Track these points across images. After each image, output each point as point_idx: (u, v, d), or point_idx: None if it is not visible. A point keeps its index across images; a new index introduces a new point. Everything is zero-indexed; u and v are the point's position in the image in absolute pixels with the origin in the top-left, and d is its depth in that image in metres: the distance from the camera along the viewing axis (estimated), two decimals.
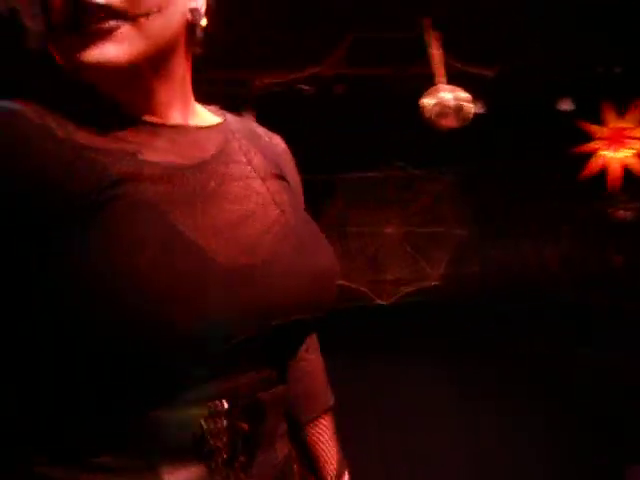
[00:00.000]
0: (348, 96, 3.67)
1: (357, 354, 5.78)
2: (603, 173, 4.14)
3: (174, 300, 0.68)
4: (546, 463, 5.76)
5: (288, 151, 1.01)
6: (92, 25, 0.73)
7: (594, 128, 4.12)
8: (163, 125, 0.81)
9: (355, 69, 3.42)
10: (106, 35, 0.73)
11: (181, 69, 0.83)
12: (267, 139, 0.96)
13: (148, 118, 0.81)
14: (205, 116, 0.90)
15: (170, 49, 0.80)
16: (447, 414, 5.88)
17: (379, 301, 4.74)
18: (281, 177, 0.90)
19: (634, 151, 4.15)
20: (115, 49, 0.74)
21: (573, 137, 4.07)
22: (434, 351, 5.83)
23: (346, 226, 4.52)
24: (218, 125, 0.89)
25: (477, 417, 5.90)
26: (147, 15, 0.75)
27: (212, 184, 0.79)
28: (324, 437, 1.07)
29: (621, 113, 4.11)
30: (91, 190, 0.70)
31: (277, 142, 0.99)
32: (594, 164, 4.14)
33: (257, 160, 0.88)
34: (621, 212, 4.15)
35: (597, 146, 4.14)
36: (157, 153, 0.78)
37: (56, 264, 0.68)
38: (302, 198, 1.00)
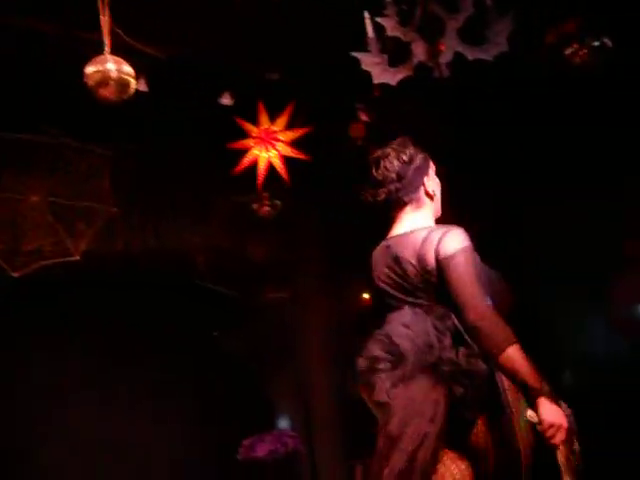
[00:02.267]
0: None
1: None
2: (254, 170, 4.35)
3: None
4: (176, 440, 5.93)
5: None
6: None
7: (249, 126, 4.32)
8: None
9: (24, 21, 3.12)
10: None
11: None
12: None
13: None
14: None
15: None
16: (80, 387, 5.73)
17: (11, 272, 4.37)
18: None
19: (278, 152, 4.44)
20: None
21: (231, 132, 4.22)
22: (67, 327, 5.61)
23: None
24: None
25: (112, 390, 5.85)
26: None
27: None
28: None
29: (273, 116, 4.38)
30: None
31: None
32: (246, 160, 4.33)
33: None
34: (265, 208, 4.42)
35: (250, 144, 4.34)
36: None
37: None
38: None
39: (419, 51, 3.14)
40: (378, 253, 2.26)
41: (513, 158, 4.87)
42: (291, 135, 4.43)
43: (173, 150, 4.49)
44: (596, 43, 3.45)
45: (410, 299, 2.14)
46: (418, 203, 2.24)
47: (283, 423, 5.32)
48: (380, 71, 3.26)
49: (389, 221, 2.25)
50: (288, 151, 4.43)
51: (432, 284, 2.09)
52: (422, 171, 2.26)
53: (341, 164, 4.85)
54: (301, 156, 4.41)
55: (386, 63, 3.25)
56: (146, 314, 5.73)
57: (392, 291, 2.18)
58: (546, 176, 4.57)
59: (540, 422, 1.94)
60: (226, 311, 5.33)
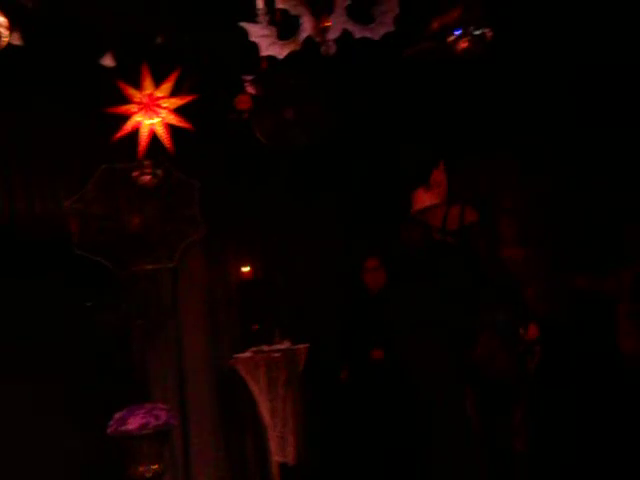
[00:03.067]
0: None
1: None
2: (135, 137, 4.22)
3: None
4: None
5: None
6: None
7: (132, 91, 4.19)
8: None
9: None
10: None
11: None
12: None
13: None
14: None
15: None
16: None
17: None
18: None
19: (161, 119, 4.33)
20: None
21: (113, 95, 4.07)
22: None
23: None
24: None
25: None
26: None
27: None
28: None
29: (158, 81, 4.26)
30: None
31: None
32: (128, 126, 4.20)
33: None
34: (146, 177, 4.30)
35: (132, 110, 4.21)
36: None
37: None
38: None
39: (307, 26, 3.16)
40: None
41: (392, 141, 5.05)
42: (175, 102, 4.33)
43: (52, 111, 4.28)
44: (477, 32, 3.59)
45: None
46: None
47: (156, 396, 5.25)
48: (268, 44, 3.25)
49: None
50: (172, 119, 4.33)
51: None
52: None
53: (225, 135, 4.82)
54: (185, 125, 4.32)
55: (275, 36, 3.25)
56: (17, 282, 5.48)
57: None
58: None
59: None
60: (101, 281, 5.19)
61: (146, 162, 4.33)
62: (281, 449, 5.13)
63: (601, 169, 4.78)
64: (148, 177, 4.37)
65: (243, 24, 3.21)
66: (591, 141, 4.76)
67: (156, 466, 4.90)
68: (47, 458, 5.66)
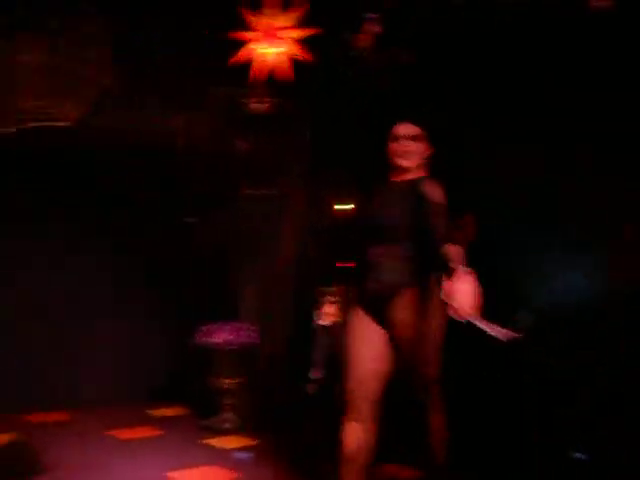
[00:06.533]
0: None
1: None
2: (251, 63, 4.26)
3: None
4: None
5: None
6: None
7: (253, 18, 4.20)
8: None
9: None
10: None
11: None
12: None
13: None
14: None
15: None
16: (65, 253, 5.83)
17: (4, 129, 4.35)
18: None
19: (282, 50, 4.33)
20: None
21: (233, 21, 4.10)
22: (46, 190, 5.66)
23: None
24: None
25: (79, 261, 5.96)
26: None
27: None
28: None
29: (283, 9, 4.25)
30: None
31: None
32: (245, 53, 4.23)
33: None
34: (257, 104, 4.37)
35: (252, 36, 4.24)
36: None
37: None
38: None
39: None
40: None
41: None
42: (296, 33, 4.31)
43: (172, 33, 4.40)
44: None
45: None
46: None
47: (243, 316, 5.47)
48: None
49: None
50: (291, 50, 4.33)
51: None
52: None
53: (341, 72, 4.78)
54: (303, 57, 4.32)
55: None
56: (123, 193, 5.79)
57: None
58: None
59: None
60: (204, 201, 5.39)
61: (259, 90, 4.38)
62: None
63: None
64: (260, 104, 4.44)
65: None
66: None
67: (235, 380, 5.17)
68: (136, 357, 6.08)
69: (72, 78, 4.29)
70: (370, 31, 4.45)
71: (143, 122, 4.55)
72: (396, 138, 3.34)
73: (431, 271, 3.03)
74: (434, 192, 3.12)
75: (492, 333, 2.73)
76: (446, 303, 2.77)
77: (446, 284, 2.79)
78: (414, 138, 3.33)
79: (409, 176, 3.30)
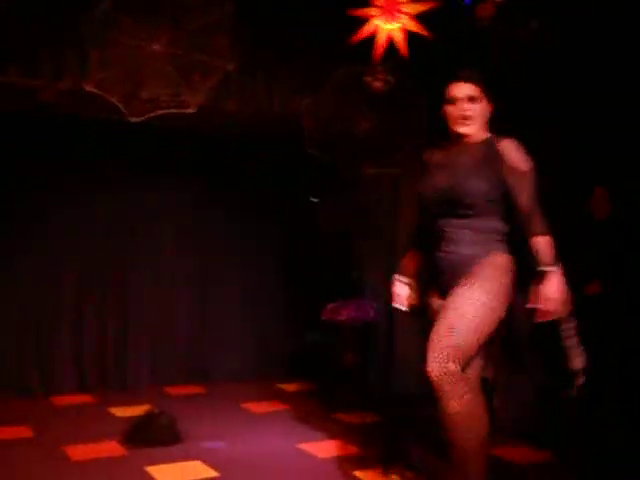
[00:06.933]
0: None
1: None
2: (371, 40, 4.25)
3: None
4: None
5: None
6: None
7: None
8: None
9: None
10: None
11: None
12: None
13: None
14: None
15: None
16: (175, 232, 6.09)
17: (129, 117, 4.57)
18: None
19: (401, 25, 4.28)
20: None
21: None
22: (171, 172, 5.91)
23: (108, 31, 4.20)
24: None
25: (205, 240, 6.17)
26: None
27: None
28: None
29: None
30: None
31: None
32: (366, 30, 4.21)
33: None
34: (378, 83, 4.34)
35: (372, 13, 4.22)
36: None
37: None
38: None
39: None
40: None
41: None
42: (416, 8, 4.24)
43: (293, 12, 4.44)
44: None
45: None
46: None
47: (367, 293, 5.53)
48: None
49: None
50: (411, 25, 4.26)
51: None
52: None
53: (463, 47, 4.68)
54: (423, 32, 4.25)
55: None
56: (247, 175, 5.95)
57: None
58: None
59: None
60: (325, 180, 5.45)
61: (380, 67, 4.35)
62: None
63: None
64: (380, 82, 4.41)
65: None
66: None
67: (359, 356, 5.27)
68: (265, 335, 6.26)
69: (192, 66, 4.41)
70: (492, 0, 4.34)
71: (268, 105, 4.65)
72: (452, 100, 2.91)
73: (513, 250, 2.78)
74: (513, 154, 2.77)
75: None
76: (533, 309, 2.58)
77: (534, 289, 2.57)
78: (472, 99, 2.88)
79: (473, 139, 2.92)
